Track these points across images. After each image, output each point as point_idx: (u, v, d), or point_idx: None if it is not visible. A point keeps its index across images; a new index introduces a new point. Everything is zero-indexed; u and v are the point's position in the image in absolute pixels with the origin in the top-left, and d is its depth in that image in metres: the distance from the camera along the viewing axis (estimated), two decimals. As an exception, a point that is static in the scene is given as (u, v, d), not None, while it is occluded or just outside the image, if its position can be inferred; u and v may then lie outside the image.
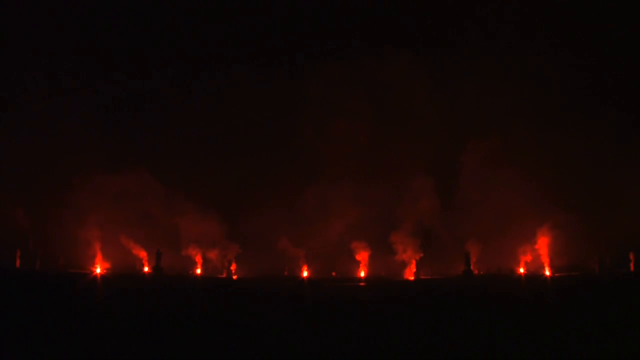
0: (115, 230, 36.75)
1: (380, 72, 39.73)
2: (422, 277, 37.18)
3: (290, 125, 39.85)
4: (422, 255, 37.14)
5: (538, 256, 36.36)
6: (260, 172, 40.43)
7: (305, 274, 37.79)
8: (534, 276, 36.24)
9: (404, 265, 37.40)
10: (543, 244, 36.08)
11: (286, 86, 41.25)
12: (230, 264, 37.92)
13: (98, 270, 36.39)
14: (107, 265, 36.91)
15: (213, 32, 41.65)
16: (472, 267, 36.61)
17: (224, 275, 37.95)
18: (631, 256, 36.17)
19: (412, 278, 37.06)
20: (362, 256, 37.56)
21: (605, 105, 38.33)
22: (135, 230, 37.03)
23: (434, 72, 39.62)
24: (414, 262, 37.14)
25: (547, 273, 36.15)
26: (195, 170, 39.73)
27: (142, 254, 37.41)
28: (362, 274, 37.69)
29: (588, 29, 38.85)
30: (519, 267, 36.79)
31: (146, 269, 37.47)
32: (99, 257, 36.65)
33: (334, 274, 38.54)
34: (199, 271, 38.01)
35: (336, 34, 41.58)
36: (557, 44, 38.73)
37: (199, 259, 37.87)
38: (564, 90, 38.42)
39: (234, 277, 37.89)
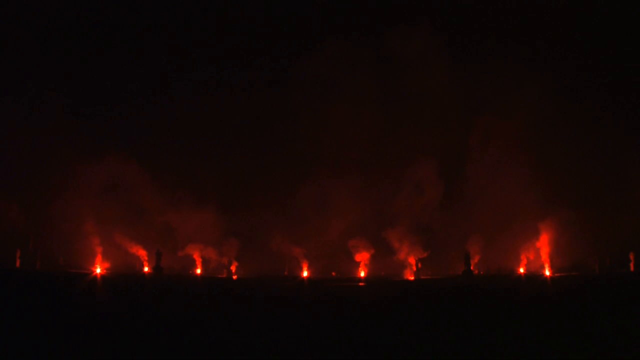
0: (112, 228, 36.56)
1: (389, 51, 36.85)
2: (422, 277, 37.13)
3: (286, 113, 37.81)
4: (422, 254, 37.00)
5: (539, 256, 36.32)
6: (256, 167, 39.31)
7: (305, 274, 37.76)
8: (534, 276, 36.23)
9: (404, 265, 37.34)
10: (544, 242, 36.02)
11: (281, 68, 38.67)
12: (230, 264, 37.86)
13: (98, 270, 36.37)
14: (107, 265, 36.87)
15: (203, 17, 39.95)
16: (472, 267, 36.58)
17: (224, 275, 37.91)
18: (631, 256, 36.19)
19: (412, 278, 37.03)
20: (362, 256, 37.46)
21: (610, 105, 38.02)
22: (133, 229, 36.85)
23: (450, 53, 36.87)
24: (413, 261, 37.05)
25: (547, 273, 36.14)
26: (189, 166, 38.84)
27: (141, 253, 37.29)
28: (362, 274, 37.65)
29: (605, 28, 38.17)
30: (520, 266, 36.78)
31: (146, 269, 37.44)
32: (99, 257, 36.61)
33: (334, 274, 38.49)
34: (199, 271, 37.98)
35: (338, 6, 38.20)
36: (572, 43, 37.80)
37: (198, 258, 37.82)
38: (569, 88, 37.77)
39: (234, 277, 37.85)
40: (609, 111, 37.92)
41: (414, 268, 37.02)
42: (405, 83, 37.26)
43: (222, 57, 39.91)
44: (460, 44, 38.19)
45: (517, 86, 37.15)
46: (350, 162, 37.96)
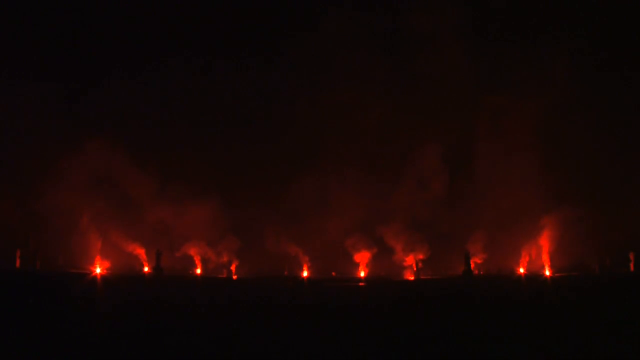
0: (110, 226, 36.35)
1: (399, 27, 34.32)
2: (422, 277, 37.10)
3: (282, 99, 35.64)
4: (423, 254, 36.87)
5: (539, 255, 36.27)
6: (252, 160, 37.94)
7: (305, 274, 37.74)
8: (534, 276, 36.21)
9: (403, 265, 37.28)
10: (546, 241, 35.93)
11: (275, 48, 35.63)
12: (230, 263, 37.82)
13: (98, 270, 36.35)
14: (107, 264, 36.82)
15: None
16: (473, 267, 36.55)
17: (224, 275, 37.88)
18: (631, 256, 36.15)
19: (412, 278, 37.01)
20: (363, 255, 37.35)
21: (613, 105, 37.69)
22: (131, 227, 36.64)
23: (467, 33, 34.34)
24: (413, 261, 36.99)
25: (547, 273, 36.14)
26: (182, 159, 37.53)
27: (139, 252, 37.16)
28: (362, 274, 37.63)
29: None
30: (519, 267, 36.76)
31: (146, 269, 37.41)
32: (98, 257, 36.58)
33: (334, 274, 38.46)
34: (198, 271, 37.94)
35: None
36: (593, 34, 36.56)
37: (198, 258, 37.78)
38: (572, 87, 36.55)
39: (234, 277, 37.82)
40: (622, 108, 37.38)
41: (414, 268, 36.98)
42: (417, 65, 34.87)
43: (212, 39, 37.24)
44: (478, 25, 35.71)
45: (530, 74, 36.30)
46: (353, 154, 36.43)
